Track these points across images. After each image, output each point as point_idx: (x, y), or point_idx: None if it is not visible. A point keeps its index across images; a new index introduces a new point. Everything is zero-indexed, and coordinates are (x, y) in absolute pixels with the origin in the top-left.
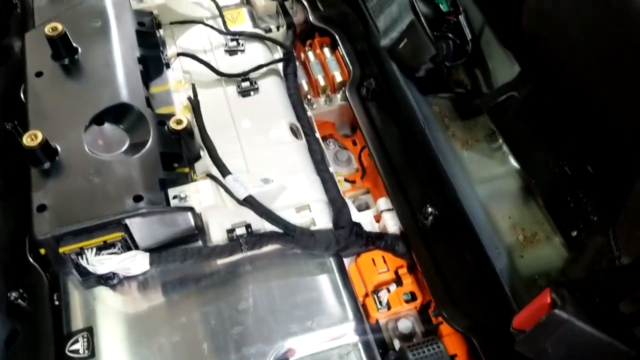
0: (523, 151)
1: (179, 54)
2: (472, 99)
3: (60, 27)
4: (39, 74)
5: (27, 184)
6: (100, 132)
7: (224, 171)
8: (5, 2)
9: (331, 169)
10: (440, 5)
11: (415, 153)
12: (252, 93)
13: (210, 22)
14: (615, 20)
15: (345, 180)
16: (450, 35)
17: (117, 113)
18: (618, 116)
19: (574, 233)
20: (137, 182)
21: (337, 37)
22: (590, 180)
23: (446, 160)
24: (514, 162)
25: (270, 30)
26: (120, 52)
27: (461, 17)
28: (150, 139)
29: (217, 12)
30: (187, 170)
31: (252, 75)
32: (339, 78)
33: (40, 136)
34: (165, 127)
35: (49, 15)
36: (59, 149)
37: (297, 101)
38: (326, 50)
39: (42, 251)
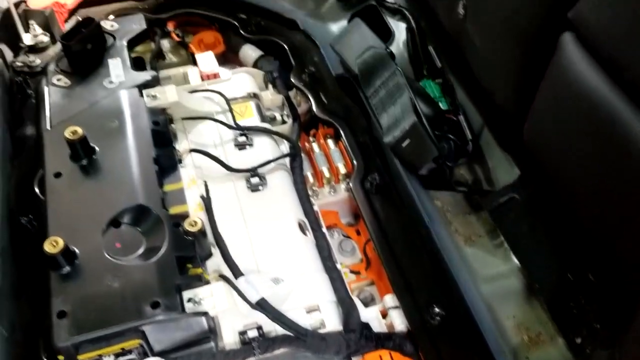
0: (525, 253)
1: (190, 150)
2: (473, 194)
3: (80, 131)
4: (57, 175)
5: (43, 283)
6: (118, 234)
7: (236, 272)
8: (20, 93)
9: (338, 265)
10: (440, 104)
11: (420, 249)
12: (260, 188)
13: (220, 117)
14: (613, 147)
15: (351, 271)
16: (451, 136)
17: (134, 215)
18: (619, 236)
19: (578, 340)
20: (154, 287)
21: (340, 129)
22: (593, 288)
23: (450, 258)
24: (516, 260)
25: (274, 119)
26: (137, 152)
27: (461, 118)
28: (166, 242)
29: (226, 107)
30: (200, 271)
31: (260, 170)
32: (342, 170)
33: (61, 243)
34: (180, 229)
35: (65, 113)
36: (77, 252)
37: (304, 196)
38: (330, 142)
39: (61, 358)
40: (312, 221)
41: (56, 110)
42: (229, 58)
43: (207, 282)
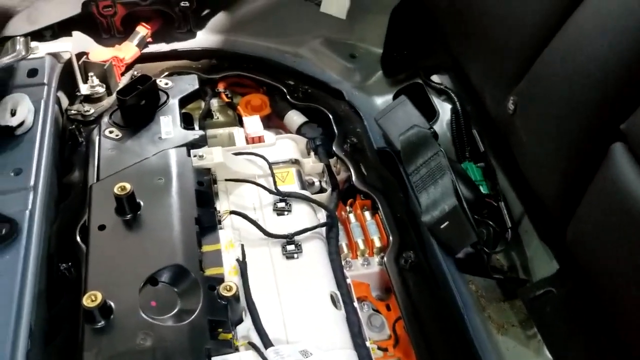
0: (559, 349)
1: (230, 212)
2: (509, 283)
3: (129, 187)
4: (101, 227)
5: (75, 333)
6: (154, 293)
7: (266, 342)
8: (72, 140)
9: (367, 343)
10: (481, 187)
11: (451, 332)
12: (295, 256)
13: (261, 181)
14: None
15: (378, 348)
16: (490, 222)
17: (172, 275)
18: None
19: None
20: (185, 350)
21: (377, 202)
22: None
23: (482, 345)
24: (549, 354)
25: (313, 184)
26: (180, 211)
27: (501, 204)
28: (200, 305)
29: (269, 171)
30: (230, 336)
31: (297, 237)
32: (377, 243)
33: (99, 297)
34: (215, 292)
35: (114, 166)
36: (114, 307)
37: (338, 267)
38: (367, 213)
39: None
40: (344, 294)
41: (105, 163)
42: (273, 121)
43: (236, 349)
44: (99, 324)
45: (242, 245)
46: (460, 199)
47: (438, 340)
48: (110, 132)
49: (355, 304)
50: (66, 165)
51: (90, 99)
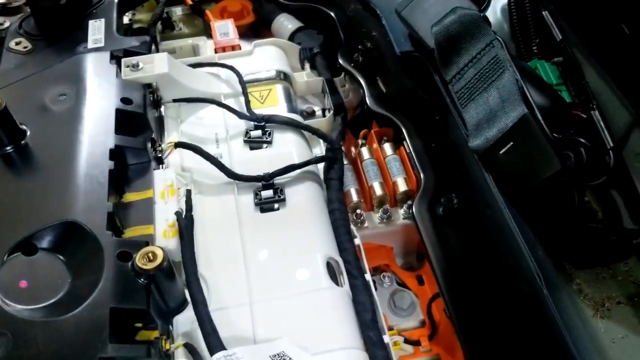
0: None
1: (176, 145)
2: (611, 235)
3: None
4: None
5: None
6: (27, 266)
7: (214, 344)
8: None
9: (386, 337)
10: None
11: (519, 315)
12: (276, 206)
13: (230, 102)
14: None
15: (406, 340)
16: (581, 140)
17: (58, 237)
18: None
19: None
20: None
21: (402, 128)
22: None
23: (572, 338)
24: None
25: (313, 113)
26: (87, 140)
27: (595, 114)
28: (100, 285)
29: (239, 88)
30: (155, 335)
31: (278, 179)
32: (402, 187)
33: None
34: (129, 264)
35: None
36: None
37: (341, 222)
38: (387, 146)
39: None
40: (349, 262)
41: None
42: (261, 33)
43: (168, 356)
44: None
45: (189, 192)
46: (531, 105)
47: (498, 327)
48: (18, 43)
49: (368, 276)
50: None
51: (6, 9)
